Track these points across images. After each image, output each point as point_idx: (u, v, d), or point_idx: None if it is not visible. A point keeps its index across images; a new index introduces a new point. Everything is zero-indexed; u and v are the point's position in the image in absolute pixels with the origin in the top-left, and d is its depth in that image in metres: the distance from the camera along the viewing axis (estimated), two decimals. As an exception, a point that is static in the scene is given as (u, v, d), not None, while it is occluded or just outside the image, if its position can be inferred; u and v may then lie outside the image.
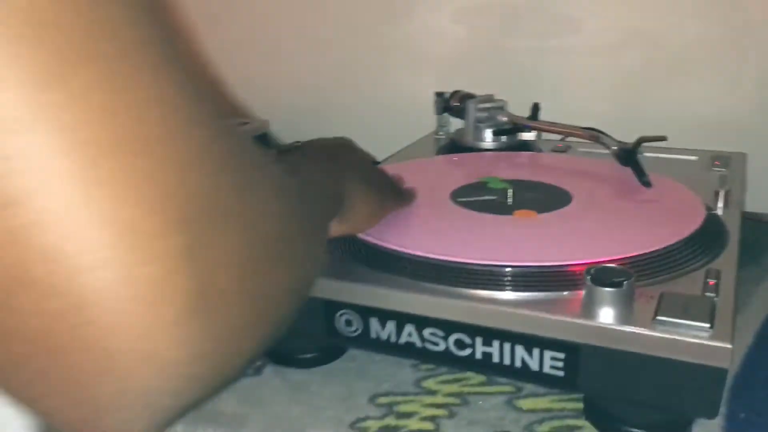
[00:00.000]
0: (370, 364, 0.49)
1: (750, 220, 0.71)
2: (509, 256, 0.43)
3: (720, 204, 0.54)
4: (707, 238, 0.47)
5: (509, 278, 0.42)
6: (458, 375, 0.48)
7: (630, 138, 0.61)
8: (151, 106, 0.19)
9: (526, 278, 0.42)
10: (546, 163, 0.68)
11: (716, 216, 0.51)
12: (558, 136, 0.70)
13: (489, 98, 0.73)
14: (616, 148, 0.60)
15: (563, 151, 0.72)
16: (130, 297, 0.18)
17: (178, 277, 0.19)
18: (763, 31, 0.73)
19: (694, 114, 0.76)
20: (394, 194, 0.52)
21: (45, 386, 0.19)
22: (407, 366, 0.49)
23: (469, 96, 0.75)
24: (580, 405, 0.43)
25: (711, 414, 0.37)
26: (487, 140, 0.72)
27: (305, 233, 0.29)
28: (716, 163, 0.65)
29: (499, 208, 0.53)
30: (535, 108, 0.72)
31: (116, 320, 0.18)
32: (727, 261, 0.45)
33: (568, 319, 0.39)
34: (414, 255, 0.45)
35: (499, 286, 0.41)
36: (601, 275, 0.39)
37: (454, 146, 0.74)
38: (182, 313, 0.19)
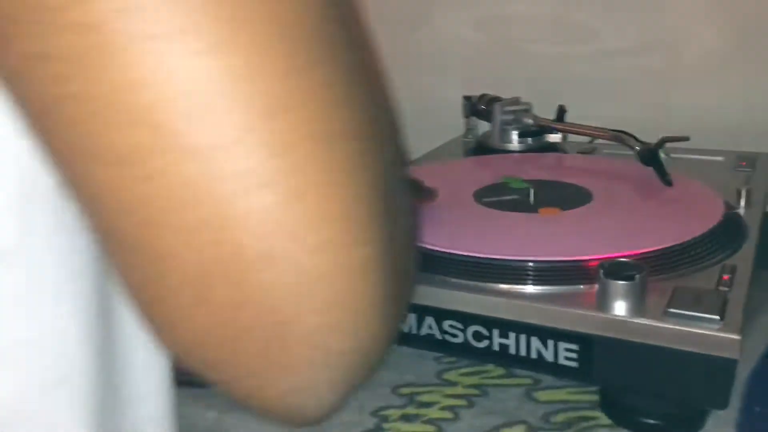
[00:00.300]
0: (395, 357, 0.51)
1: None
2: (527, 252, 0.45)
3: (742, 202, 0.54)
4: (724, 235, 0.47)
5: (528, 273, 0.43)
6: (479, 367, 0.49)
7: (656, 140, 0.62)
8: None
9: (544, 273, 0.43)
10: (569, 164, 0.69)
11: (736, 214, 0.52)
12: (585, 138, 0.71)
13: (515, 101, 0.74)
14: (639, 148, 0.61)
15: (589, 152, 0.73)
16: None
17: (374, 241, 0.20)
18: None
19: (719, 116, 0.76)
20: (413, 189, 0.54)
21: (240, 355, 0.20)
22: (430, 359, 0.51)
23: (496, 99, 0.76)
24: (596, 397, 0.44)
25: (721, 405, 0.38)
26: (513, 142, 0.73)
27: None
28: (742, 163, 0.66)
29: (522, 206, 0.54)
30: (561, 110, 0.73)
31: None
32: (744, 257, 0.45)
33: (581, 311, 0.40)
34: (434, 250, 0.47)
35: (517, 280, 0.43)
36: (614, 269, 0.40)
37: (481, 148, 0.76)
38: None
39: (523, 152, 0.73)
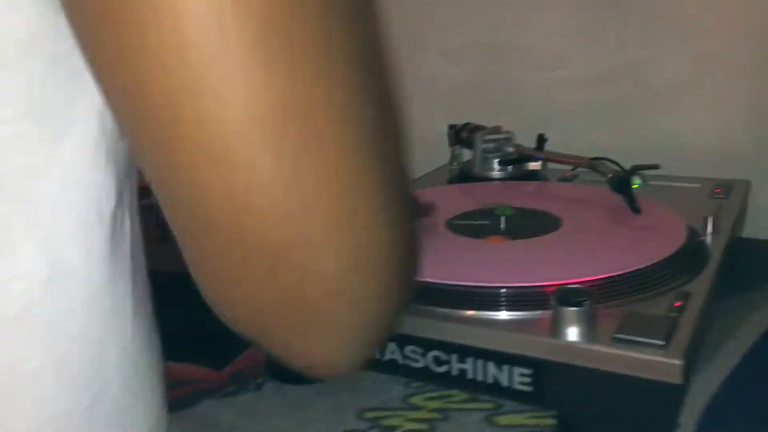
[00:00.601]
0: (363, 381, 0.52)
1: (757, 247, 0.71)
2: (478, 278, 0.46)
3: (708, 229, 0.55)
4: (683, 262, 0.48)
5: (481, 298, 0.44)
6: (444, 392, 0.50)
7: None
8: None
9: (497, 299, 0.44)
10: (546, 191, 0.70)
11: (698, 242, 0.52)
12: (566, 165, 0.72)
13: (496, 130, 0.76)
14: (611, 176, 0.62)
15: (570, 179, 0.74)
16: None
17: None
18: (747, 60, 0.75)
19: (696, 143, 0.77)
20: None
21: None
22: (398, 383, 0.52)
23: (479, 128, 0.78)
24: (554, 421, 0.45)
25: (666, 430, 0.39)
26: (493, 170, 0.75)
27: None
28: (717, 191, 0.66)
29: (493, 233, 0.56)
30: (540, 139, 0.74)
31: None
32: (701, 284, 0.46)
33: (533, 337, 0.41)
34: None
35: (472, 306, 0.44)
36: (565, 295, 0.41)
37: (464, 176, 0.77)
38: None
39: (504, 180, 0.74)
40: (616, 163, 0.73)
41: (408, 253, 0.28)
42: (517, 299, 0.44)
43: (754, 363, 0.50)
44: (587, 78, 0.83)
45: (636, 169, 0.60)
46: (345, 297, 0.25)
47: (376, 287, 0.26)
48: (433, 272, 0.47)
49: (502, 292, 0.44)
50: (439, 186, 0.75)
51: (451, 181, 0.78)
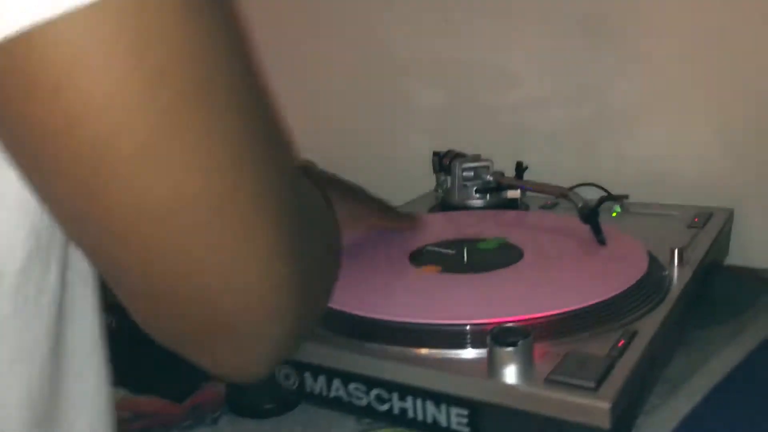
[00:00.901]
0: (318, 417, 0.52)
1: (737, 275, 0.70)
2: (414, 314, 0.46)
3: (675, 262, 0.54)
4: (634, 298, 0.47)
5: (419, 335, 0.44)
6: (398, 429, 0.49)
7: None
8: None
9: (436, 336, 0.44)
10: (519, 221, 0.69)
11: (657, 276, 0.51)
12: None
13: (476, 158, 0.75)
14: (581, 205, 0.61)
15: (551, 207, 0.73)
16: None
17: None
18: (714, 83, 0.73)
19: (681, 169, 0.76)
20: (378, 206, 0.57)
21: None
22: (351, 419, 0.51)
23: (460, 155, 0.77)
24: (499, 462, 0.44)
25: (601, 474, 0.38)
26: (472, 199, 0.74)
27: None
28: (695, 219, 0.65)
29: (453, 266, 0.55)
30: (519, 167, 0.73)
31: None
32: (651, 321, 0.45)
33: (466, 377, 0.40)
34: (331, 308, 0.47)
35: (410, 343, 0.43)
36: (501, 334, 0.41)
37: (445, 204, 0.77)
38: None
39: (483, 208, 0.74)
40: (602, 188, 0.72)
41: (319, 272, 0.33)
42: (453, 337, 0.43)
43: (716, 403, 0.49)
44: (561, 100, 0.82)
45: (603, 200, 0.59)
46: (260, 314, 0.28)
47: (280, 312, 0.29)
48: (379, 307, 0.47)
49: (439, 330, 0.44)
50: (420, 213, 0.74)
51: (433, 209, 0.78)
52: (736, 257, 0.72)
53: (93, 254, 0.27)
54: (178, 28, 0.22)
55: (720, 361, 0.55)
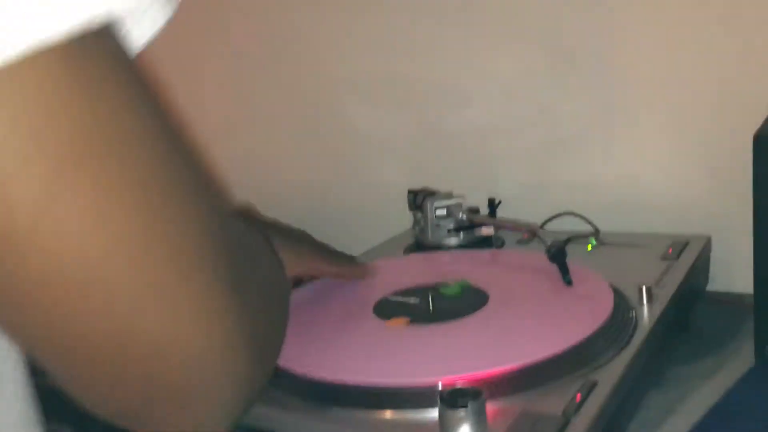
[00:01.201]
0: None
1: (720, 301, 0.68)
2: (366, 373, 0.44)
3: (644, 300, 0.52)
4: (596, 345, 0.46)
5: (364, 396, 0.42)
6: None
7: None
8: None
9: (380, 396, 0.42)
10: (489, 262, 0.68)
11: (620, 318, 0.50)
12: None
13: (448, 195, 0.74)
14: (549, 244, 0.59)
15: (527, 242, 0.72)
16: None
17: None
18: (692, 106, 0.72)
19: (658, 194, 0.74)
20: (323, 251, 0.56)
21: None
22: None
23: (432, 194, 0.76)
24: None
25: None
26: (446, 237, 0.73)
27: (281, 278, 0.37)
28: (669, 250, 0.63)
29: (417, 315, 0.53)
30: (492, 204, 0.72)
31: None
32: (614, 369, 0.43)
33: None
34: (280, 368, 0.46)
35: (353, 404, 0.42)
36: (451, 395, 0.39)
37: (419, 244, 0.76)
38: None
39: (457, 247, 0.72)
40: (581, 216, 0.71)
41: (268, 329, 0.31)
42: (402, 397, 0.42)
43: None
44: (528, 125, 0.81)
45: (570, 240, 0.58)
46: (199, 378, 0.27)
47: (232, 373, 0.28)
48: (349, 370, 0.46)
49: (386, 390, 0.42)
50: (389, 257, 0.73)
51: (406, 250, 0.76)
52: (718, 283, 0.70)
53: (10, 330, 0.26)
54: (55, 93, 0.21)
55: (699, 399, 0.53)
